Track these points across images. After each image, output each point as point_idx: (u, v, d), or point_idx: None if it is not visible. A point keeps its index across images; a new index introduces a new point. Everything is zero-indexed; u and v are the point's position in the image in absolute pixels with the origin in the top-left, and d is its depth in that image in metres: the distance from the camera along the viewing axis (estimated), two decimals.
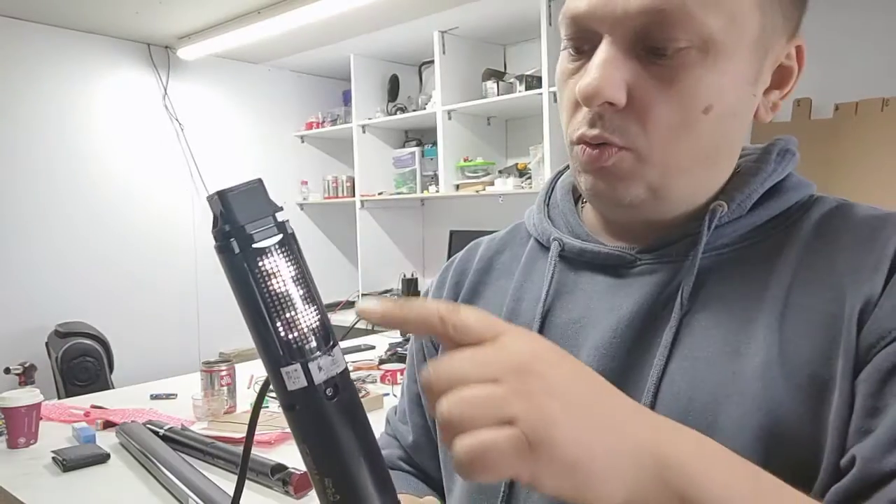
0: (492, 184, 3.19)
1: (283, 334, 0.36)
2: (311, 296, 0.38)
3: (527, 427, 0.32)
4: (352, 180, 3.82)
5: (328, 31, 3.23)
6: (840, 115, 2.51)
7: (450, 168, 3.29)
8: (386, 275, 3.80)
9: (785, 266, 0.50)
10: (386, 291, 3.68)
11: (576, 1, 0.49)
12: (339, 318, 3.69)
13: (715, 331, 0.49)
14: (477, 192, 3.22)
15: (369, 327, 3.38)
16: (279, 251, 0.37)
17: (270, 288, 0.36)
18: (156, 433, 1.47)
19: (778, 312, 0.47)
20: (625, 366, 0.51)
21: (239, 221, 0.36)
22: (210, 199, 0.38)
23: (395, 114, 3.57)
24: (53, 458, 1.41)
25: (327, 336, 0.38)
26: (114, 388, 2.70)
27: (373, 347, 2.49)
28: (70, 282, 3.15)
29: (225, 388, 1.77)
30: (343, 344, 2.52)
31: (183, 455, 1.37)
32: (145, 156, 3.43)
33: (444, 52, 3.24)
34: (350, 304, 3.89)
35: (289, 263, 0.37)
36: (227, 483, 1.25)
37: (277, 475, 1.24)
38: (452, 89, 3.27)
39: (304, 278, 0.38)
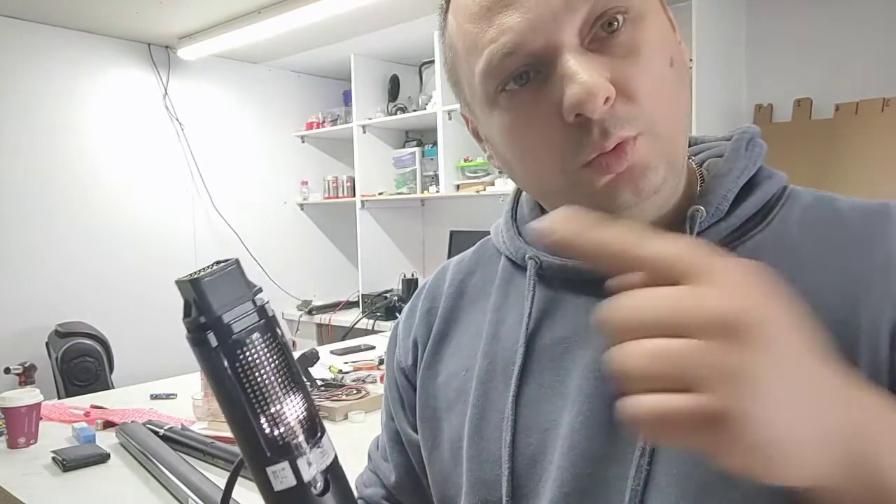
0: (492, 184, 3.19)
1: (268, 431, 0.33)
2: (296, 383, 0.35)
3: (722, 399, 0.28)
4: (352, 180, 3.82)
5: (328, 31, 3.23)
6: (840, 115, 2.51)
7: (450, 168, 3.29)
8: (386, 275, 3.79)
9: (779, 270, 0.48)
10: (386, 292, 3.68)
11: (499, 41, 0.45)
12: (340, 319, 3.69)
13: None
14: (477, 192, 3.22)
15: (369, 327, 3.38)
16: (261, 340, 0.34)
17: (253, 382, 0.33)
18: (156, 433, 1.47)
19: None
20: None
21: (215, 312, 0.33)
22: (180, 284, 0.34)
23: (396, 114, 3.57)
24: (53, 458, 1.41)
25: (314, 426, 0.35)
26: (114, 388, 2.69)
27: (373, 347, 2.49)
28: (70, 282, 3.14)
29: None
30: (343, 344, 2.52)
31: (183, 455, 1.37)
32: (146, 155, 3.43)
33: None
34: (350, 304, 3.89)
35: (271, 352, 0.34)
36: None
37: None
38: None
39: (287, 365, 0.35)
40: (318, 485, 0.35)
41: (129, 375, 2.83)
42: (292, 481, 0.34)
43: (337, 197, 3.94)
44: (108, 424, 1.64)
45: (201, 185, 3.62)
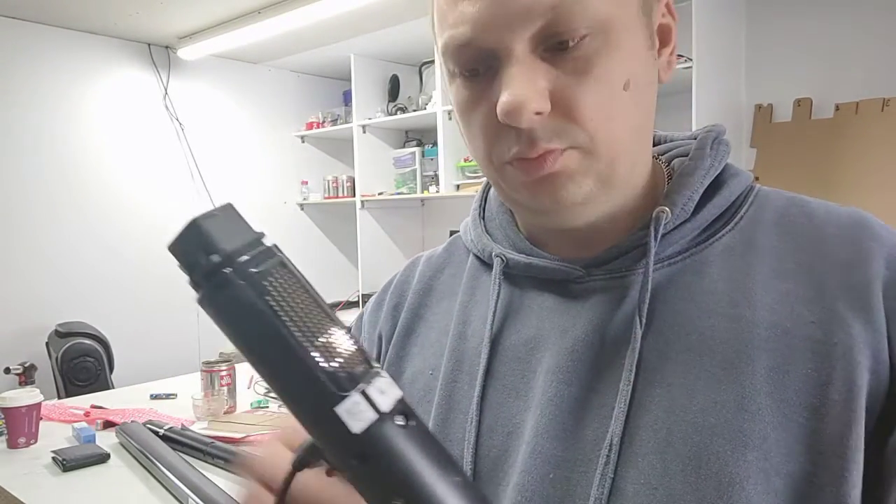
0: None
1: (324, 364, 0.29)
2: (333, 316, 0.31)
3: None
4: (352, 180, 3.82)
5: (328, 31, 3.23)
6: (841, 115, 2.51)
7: (450, 168, 3.29)
8: (386, 275, 3.77)
9: (752, 276, 0.47)
10: None
11: (457, 28, 0.45)
12: (340, 319, 3.69)
13: (686, 354, 0.45)
14: (477, 192, 3.21)
15: None
16: (283, 272, 0.30)
17: (291, 312, 0.29)
18: (156, 433, 1.47)
19: (758, 335, 0.44)
20: (585, 391, 0.47)
21: (226, 248, 0.29)
22: (177, 239, 0.30)
23: (396, 114, 3.57)
24: (53, 458, 1.41)
25: (368, 356, 0.30)
26: (114, 388, 2.70)
27: None
28: (70, 282, 3.14)
29: (225, 388, 1.77)
30: None
31: (183, 455, 1.37)
32: (146, 155, 3.43)
33: None
34: (350, 305, 3.89)
35: (296, 285, 0.30)
36: (227, 483, 1.25)
37: None
38: None
39: (316, 299, 0.31)
40: (399, 418, 0.29)
41: (129, 375, 2.83)
42: (371, 415, 0.28)
43: (337, 197, 3.94)
44: (108, 424, 1.64)
45: (201, 185, 3.62)
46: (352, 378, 0.29)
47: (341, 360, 0.29)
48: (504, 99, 0.43)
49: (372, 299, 0.68)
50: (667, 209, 0.49)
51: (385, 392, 0.29)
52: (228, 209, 0.31)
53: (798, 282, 0.46)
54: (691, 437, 0.43)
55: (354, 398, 0.28)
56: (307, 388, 0.29)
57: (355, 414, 0.28)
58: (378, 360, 0.61)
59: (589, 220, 0.50)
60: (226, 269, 0.29)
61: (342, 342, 0.30)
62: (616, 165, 0.47)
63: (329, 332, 0.30)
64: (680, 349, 0.46)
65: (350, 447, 0.29)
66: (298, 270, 0.31)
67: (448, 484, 0.29)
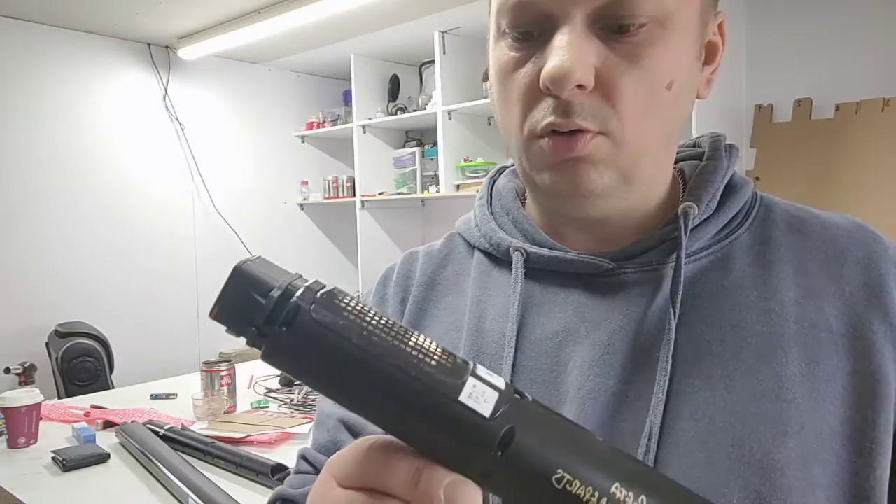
0: None
1: (427, 360, 0.27)
2: (398, 321, 0.29)
3: None
4: (352, 180, 3.82)
5: (328, 31, 3.23)
6: (841, 115, 2.51)
7: (450, 168, 3.29)
8: None
9: (774, 273, 0.49)
10: None
11: None
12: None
13: (722, 347, 0.47)
14: (479, 190, 3.21)
15: None
16: (341, 292, 0.29)
17: (374, 322, 0.28)
18: (156, 433, 1.47)
19: (789, 328, 0.47)
20: (622, 383, 0.48)
21: (282, 282, 0.28)
22: (223, 296, 0.28)
23: (396, 114, 3.57)
24: (53, 458, 1.41)
25: (445, 347, 0.29)
26: (114, 388, 2.69)
27: None
28: (70, 282, 3.14)
29: (225, 388, 1.77)
30: None
31: (183, 455, 1.37)
32: (146, 155, 3.43)
33: (444, 52, 3.24)
34: None
35: (356, 300, 0.29)
36: (227, 483, 1.25)
37: (277, 475, 1.24)
38: (453, 89, 3.27)
39: (377, 310, 0.29)
40: (516, 393, 0.28)
41: (129, 375, 2.83)
42: (494, 393, 0.27)
43: (337, 197, 3.94)
44: (108, 424, 1.64)
45: (201, 185, 3.62)
46: (457, 368, 0.28)
47: (437, 355, 0.28)
48: (552, 63, 0.43)
49: (369, 297, 0.67)
50: (694, 205, 0.50)
51: (489, 373, 0.28)
52: (260, 259, 0.29)
53: (818, 278, 0.48)
54: (733, 426, 0.44)
55: (471, 382, 0.27)
56: (423, 392, 0.27)
57: (476, 396, 0.27)
58: None
59: (603, 214, 0.50)
60: (292, 300, 0.27)
61: (425, 340, 0.28)
62: (640, 163, 0.48)
63: (411, 333, 0.28)
64: (715, 341, 0.47)
65: (488, 436, 0.27)
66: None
67: (592, 444, 0.29)
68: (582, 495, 0.27)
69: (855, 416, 0.44)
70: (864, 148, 2.44)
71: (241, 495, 1.19)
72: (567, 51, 0.43)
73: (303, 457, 0.62)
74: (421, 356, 0.27)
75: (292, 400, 1.85)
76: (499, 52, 0.49)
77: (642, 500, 0.27)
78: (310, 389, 1.90)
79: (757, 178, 2.61)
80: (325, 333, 0.27)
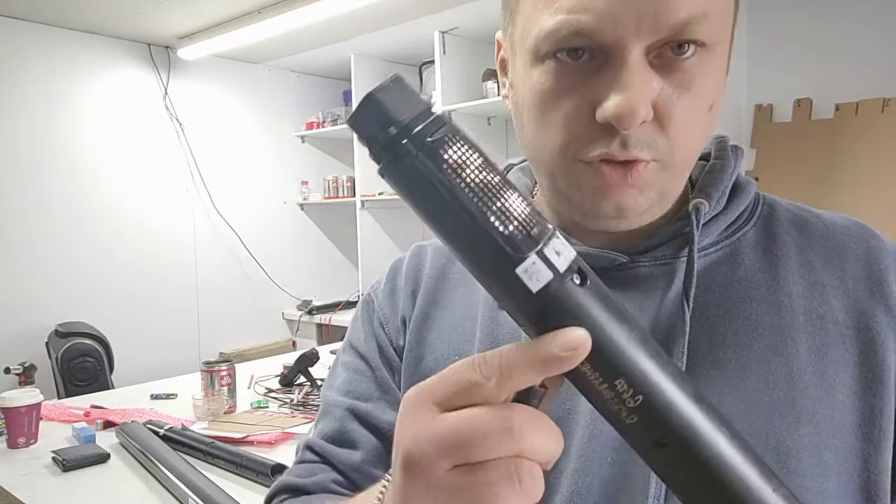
0: None
1: (501, 228, 0.30)
2: (506, 179, 0.32)
3: None
4: (352, 180, 3.82)
5: (328, 31, 3.23)
6: (840, 115, 2.51)
7: None
8: None
9: (782, 267, 0.51)
10: None
11: (575, 15, 0.42)
12: (340, 319, 3.69)
13: (734, 338, 0.48)
14: None
15: None
16: (456, 139, 0.31)
17: (469, 179, 0.30)
18: (156, 433, 1.47)
19: (798, 320, 0.49)
20: None
21: (401, 120, 0.31)
22: (356, 115, 0.31)
23: None
24: (53, 458, 1.41)
25: (542, 219, 0.31)
26: (114, 388, 2.69)
27: None
28: (70, 282, 3.14)
29: (225, 388, 1.77)
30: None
31: (183, 455, 1.37)
32: (145, 155, 3.43)
33: (444, 52, 3.24)
34: (350, 305, 3.89)
35: (470, 150, 0.31)
36: (227, 483, 1.25)
37: (277, 475, 1.24)
38: (453, 89, 3.27)
39: (491, 163, 0.32)
40: (575, 277, 0.31)
41: (129, 375, 2.83)
42: (548, 274, 0.30)
43: (337, 197, 3.94)
44: (108, 424, 1.64)
45: (201, 185, 3.62)
46: (528, 240, 0.30)
47: (517, 223, 0.30)
48: (618, 101, 0.42)
49: (378, 289, 0.67)
50: (705, 202, 0.51)
51: (561, 253, 0.31)
52: (398, 80, 0.32)
53: (822, 273, 0.50)
54: (748, 414, 0.46)
55: (532, 258, 0.30)
56: (487, 254, 0.30)
57: (533, 274, 0.30)
58: (404, 345, 0.61)
59: (633, 227, 0.50)
60: (403, 141, 0.31)
61: (517, 205, 0.31)
62: (679, 181, 0.50)
63: (504, 195, 0.31)
64: (727, 333, 0.49)
65: (531, 306, 0.30)
66: (470, 136, 0.32)
67: (630, 334, 0.32)
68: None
69: (863, 404, 0.46)
70: (863, 148, 2.44)
71: (241, 495, 1.19)
72: (632, 89, 0.42)
73: (308, 447, 0.63)
74: (497, 223, 0.30)
75: (292, 400, 1.85)
76: (537, 77, 0.47)
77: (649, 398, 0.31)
78: (309, 390, 1.91)
79: (757, 178, 2.61)
80: (422, 180, 0.31)
